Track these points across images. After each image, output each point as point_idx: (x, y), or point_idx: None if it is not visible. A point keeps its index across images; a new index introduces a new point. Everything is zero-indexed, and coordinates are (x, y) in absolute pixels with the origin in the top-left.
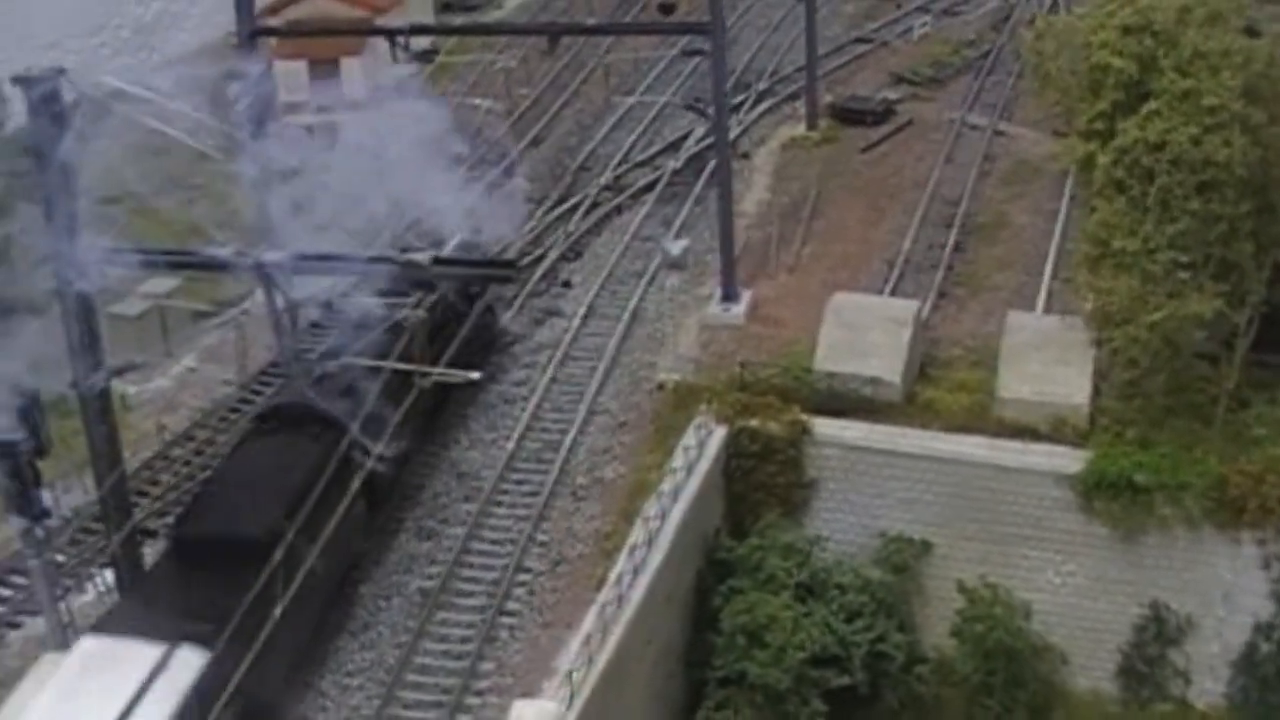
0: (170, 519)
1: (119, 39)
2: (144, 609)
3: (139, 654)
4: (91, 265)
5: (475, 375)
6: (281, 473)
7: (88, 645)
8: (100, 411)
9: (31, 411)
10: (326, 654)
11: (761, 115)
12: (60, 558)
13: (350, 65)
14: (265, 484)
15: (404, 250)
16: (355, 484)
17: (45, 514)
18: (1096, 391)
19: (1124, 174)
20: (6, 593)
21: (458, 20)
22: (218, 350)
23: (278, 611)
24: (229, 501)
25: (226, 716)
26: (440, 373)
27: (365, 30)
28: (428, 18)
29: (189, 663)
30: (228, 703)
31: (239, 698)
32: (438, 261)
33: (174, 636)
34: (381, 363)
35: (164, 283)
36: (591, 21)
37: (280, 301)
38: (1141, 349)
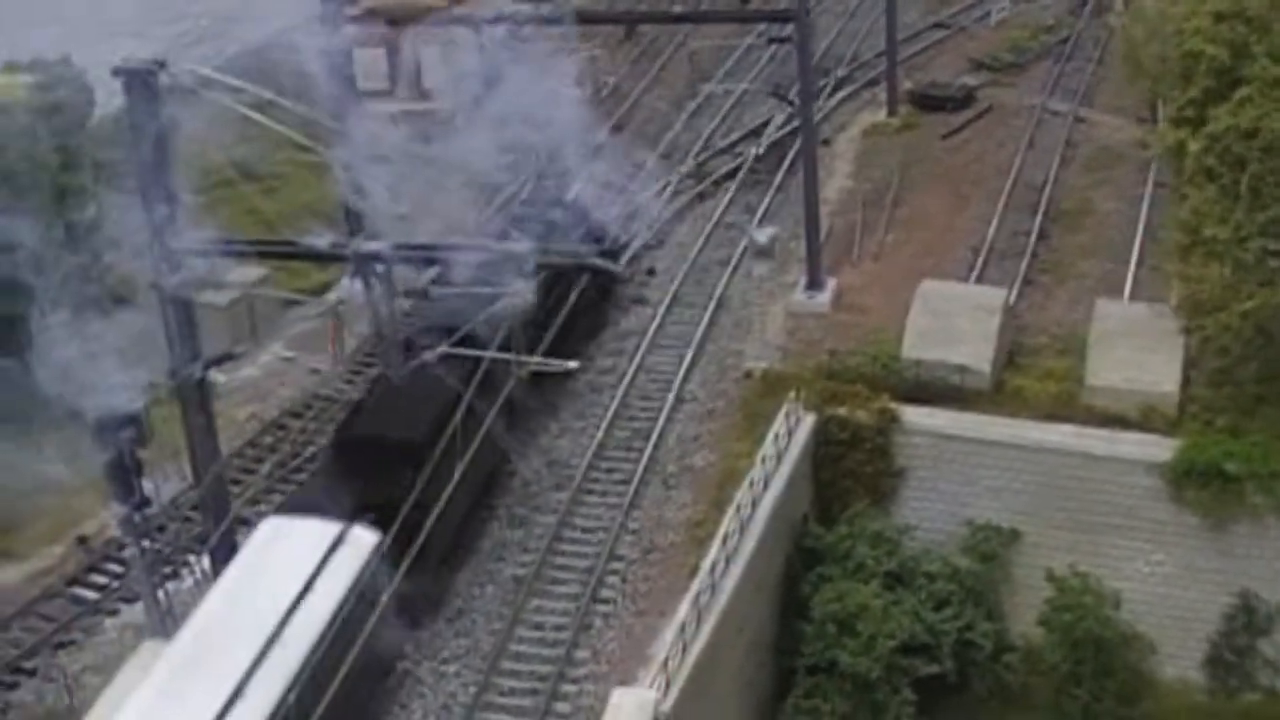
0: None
1: (200, 28)
2: (316, 499)
3: (319, 530)
4: (188, 257)
5: (573, 365)
6: (434, 386)
7: (272, 523)
8: (198, 402)
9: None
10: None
11: (841, 102)
12: (159, 546)
13: (429, 54)
14: (420, 395)
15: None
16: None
17: (146, 502)
18: (1186, 380)
19: (1215, 161)
20: (104, 579)
21: (531, 8)
22: (307, 339)
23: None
24: (389, 409)
25: (390, 597)
26: (540, 362)
27: (450, 21)
28: (505, 5)
29: (362, 540)
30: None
31: (402, 579)
32: (536, 251)
33: (347, 519)
34: (480, 353)
35: (251, 271)
36: (677, 8)
37: (379, 291)
38: (1233, 337)
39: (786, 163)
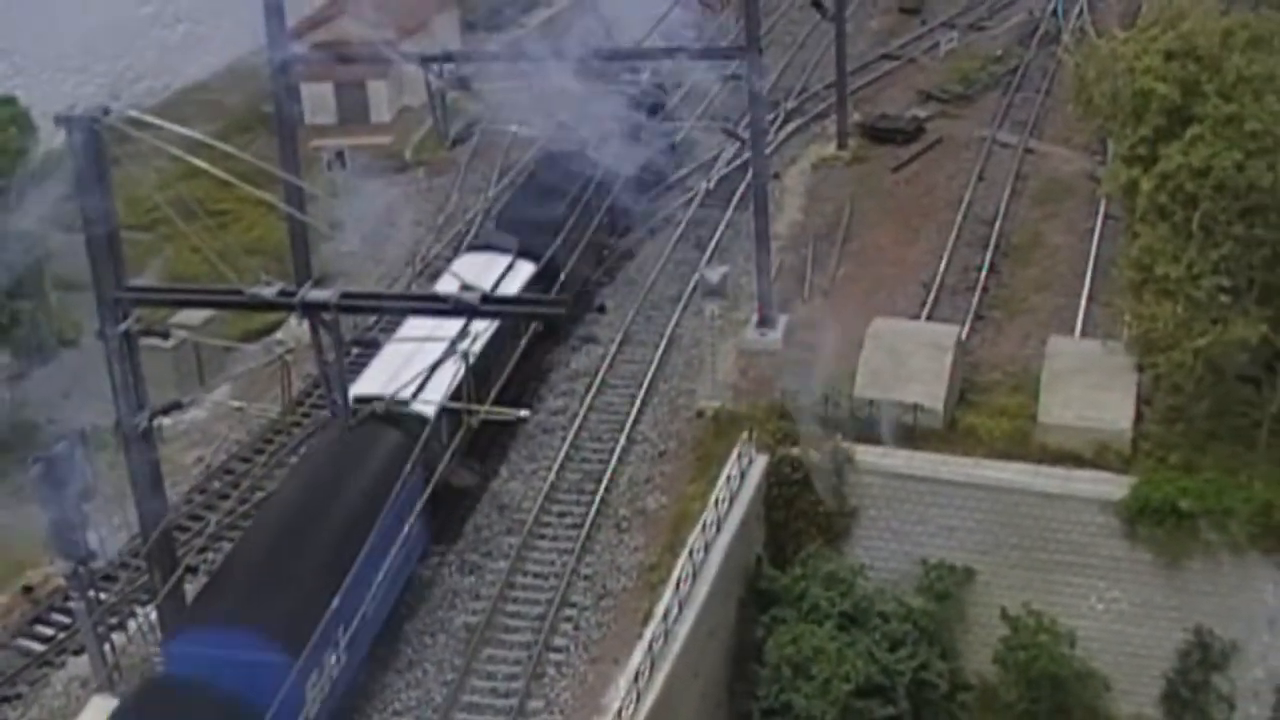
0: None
1: (144, 62)
2: (493, 240)
3: (501, 259)
4: (133, 304)
5: (524, 413)
6: None
7: (469, 256)
8: (143, 451)
9: (76, 453)
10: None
11: (791, 134)
12: (104, 596)
13: (377, 88)
14: None
15: None
16: None
17: (91, 556)
18: (1139, 416)
19: (1167, 200)
20: (50, 631)
21: (480, 40)
22: (254, 382)
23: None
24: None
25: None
26: (488, 410)
27: (398, 57)
28: (454, 40)
29: (525, 266)
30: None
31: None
32: (487, 300)
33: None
34: (431, 402)
35: (197, 312)
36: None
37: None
38: (1186, 374)
39: (737, 197)
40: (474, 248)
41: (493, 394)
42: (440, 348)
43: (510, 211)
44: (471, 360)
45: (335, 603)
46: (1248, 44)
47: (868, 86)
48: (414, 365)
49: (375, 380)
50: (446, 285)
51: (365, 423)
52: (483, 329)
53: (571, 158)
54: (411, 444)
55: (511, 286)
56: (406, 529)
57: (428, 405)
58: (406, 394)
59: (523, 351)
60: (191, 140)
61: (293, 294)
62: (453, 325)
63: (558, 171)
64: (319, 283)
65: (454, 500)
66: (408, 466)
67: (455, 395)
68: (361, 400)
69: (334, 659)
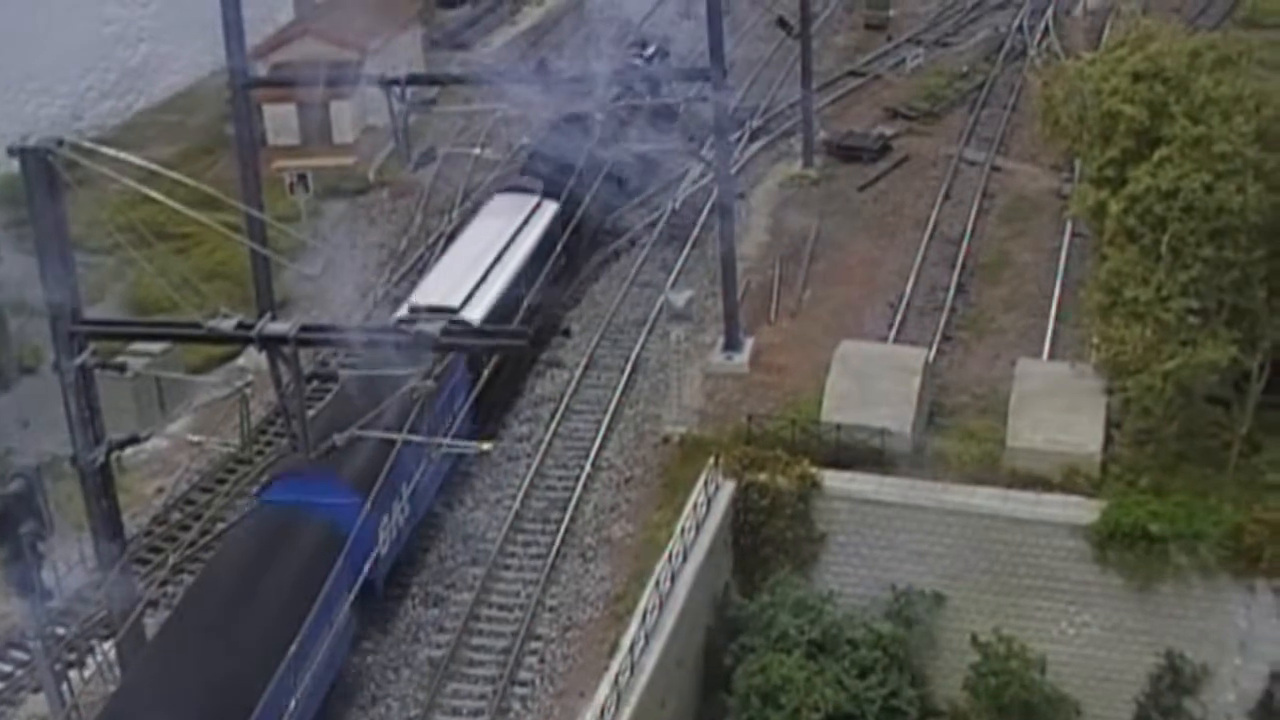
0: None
1: (106, 82)
2: (522, 183)
3: (529, 199)
4: (89, 337)
5: (486, 446)
6: None
7: (500, 196)
8: (101, 485)
9: (33, 491)
10: None
11: (757, 153)
12: (61, 630)
13: (340, 108)
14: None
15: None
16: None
17: (47, 595)
18: (1108, 439)
19: (1135, 222)
20: (7, 668)
21: (445, 59)
22: (213, 412)
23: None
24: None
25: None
26: (449, 443)
27: (360, 81)
28: (417, 59)
29: (549, 206)
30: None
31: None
32: (447, 333)
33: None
34: (393, 434)
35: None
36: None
37: (286, 374)
38: (1155, 397)
39: (702, 218)
40: (505, 190)
41: (524, 306)
42: (486, 263)
43: (535, 161)
44: (510, 278)
45: (398, 461)
46: (1215, 65)
47: (833, 104)
48: (464, 279)
49: (432, 292)
50: (483, 223)
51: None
52: (522, 252)
53: (586, 118)
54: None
55: (540, 222)
56: (457, 407)
57: (474, 313)
58: (456, 304)
59: (546, 276)
60: (149, 165)
61: (251, 327)
62: (500, 240)
63: (575, 129)
64: (281, 308)
65: (494, 394)
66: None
67: (496, 306)
68: (418, 310)
69: (399, 509)
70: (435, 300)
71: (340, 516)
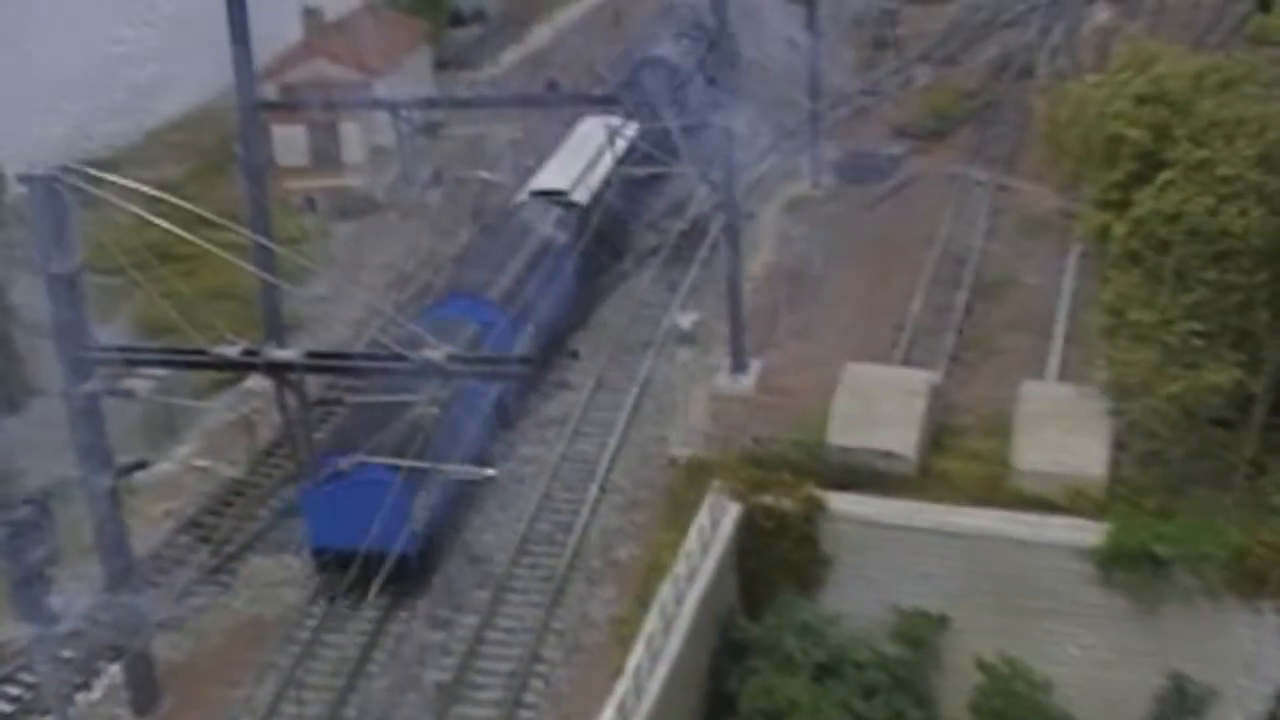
0: None
1: (115, 102)
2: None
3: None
4: (97, 364)
5: (491, 471)
6: None
7: (590, 119)
8: (109, 511)
9: (42, 517)
10: None
11: (765, 172)
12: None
13: (348, 130)
14: None
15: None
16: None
17: (55, 620)
18: (1114, 462)
19: (1139, 245)
20: (16, 691)
21: (453, 79)
22: (220, 436)
23: None
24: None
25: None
26: (459, 470)
27: (367, 104)
28: (426, 79)
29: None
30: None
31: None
32: (453, 359)
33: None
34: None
35: None
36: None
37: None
38: (1160, 420)
39: (710, 239)
40: (593, 114)
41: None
42: (585, 161)
43: (621, 89)
44: (603, 176)
45: (529, 297)
46: (1219, 88)
47: (841, 122)
48: (569, 172)
49: (546, 179)
50: (580, 135)
51: (542, 201)
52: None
53: (662, 60)
54: (570, 216)
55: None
56: (566, 265)
57: (580, 195)
58: (566, 187)
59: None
60: (154, 186)
61: (257, 353)
62: (598, 143)
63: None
64: (288, 329)
65: (590, 264)
66: (569, 227)
67: (595, 194)
68: (536, 193)
69: (530, 328)
70: (549, 186)
71: (489, 326)
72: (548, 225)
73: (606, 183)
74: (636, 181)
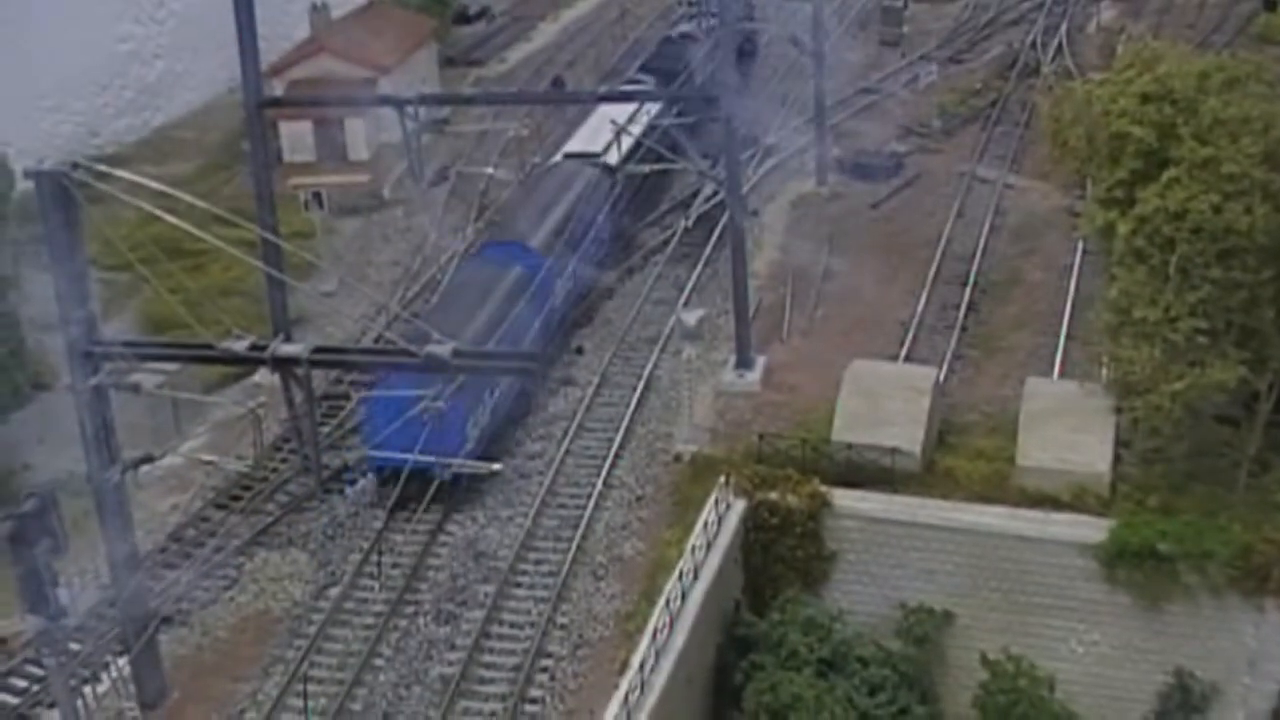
0: None
1: (123, 99)
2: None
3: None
4: (104, 358)
5: (497, 466)
6: None
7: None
8: (116, 505)
9: (47, 510)
10: None
11: (770, 171)
12: (78, 648)
13: (354, 126)
14: None
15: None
16: None
17: (62, 613)
18: (1117, 458)
19: (1144, 243)
20: (23, 684)
21: (459, 76)
22: (227, 430)
23: None
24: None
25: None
26: (460, 462)
27: (373, 101)
28: (432, 76)
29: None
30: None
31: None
32: (459, 355)
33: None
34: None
35: None
36: (603, 89)
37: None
38: (1164, 417)
39: (715, 236)
40: (641, 70)
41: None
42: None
43: (655, 59)
44: (632, 142)
45: (574, 236)
46: (1223, 86)
47: (847, 120)
48: (601, 137)
49: (578, 143)
50: (594, 126)
51: (576, 162)
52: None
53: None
54: (601, 177)
55: (651, 107)
56: (598, 218)
57: (611, 158)
58: (598, 150)
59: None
60: (162, 183)
61: (264, 348)
62: (625, 113)
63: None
64: (295, 324)
65: (620, 223)
66: (602, 186)
67: (624, 156)
68: (570, 155)
69: (570, 270)
70: (582, 149)
71: (530, 268)
72: (581, 183)
73: (635, 147)
74: (661, 147)
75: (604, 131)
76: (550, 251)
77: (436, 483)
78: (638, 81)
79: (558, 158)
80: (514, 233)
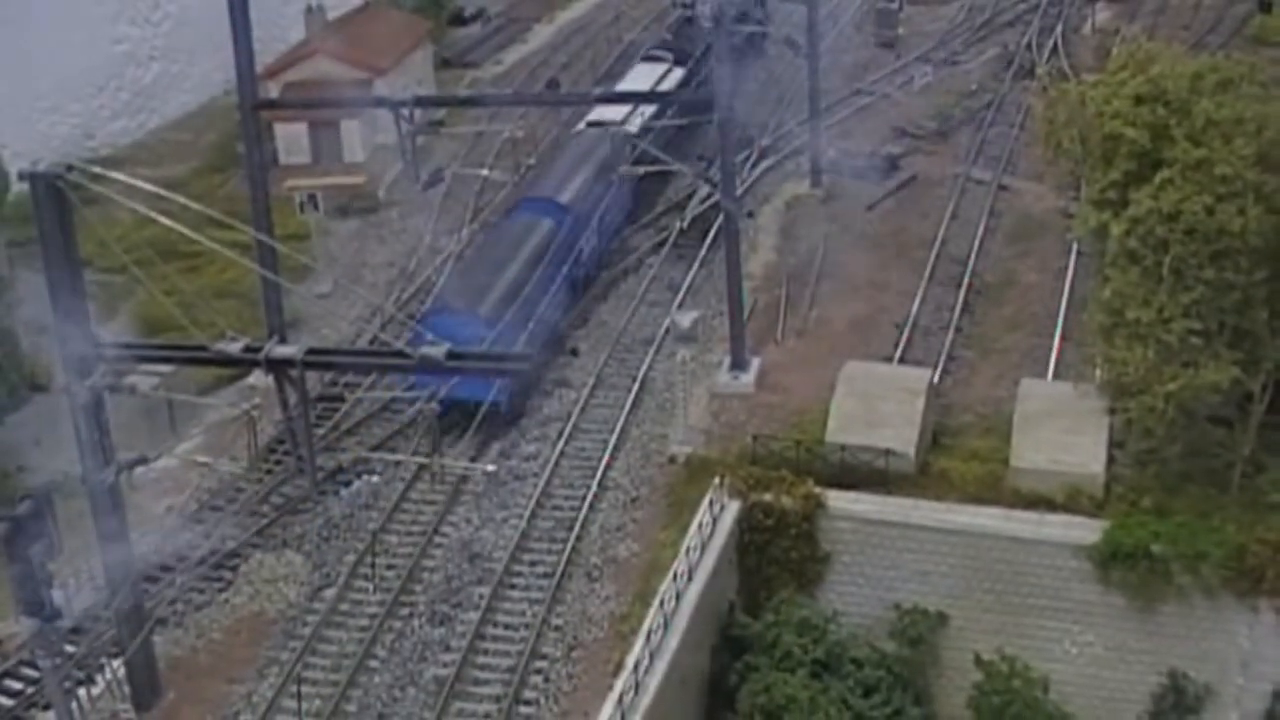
0: None
1: (119, 101)
2: (658, 53)
3: (662, 65)
4: (98, 360)
5: (491, 467)
6: None
7: (642, 64)
8: (111, 506)
9: (43, 512)
10: None
11: (765, 172)
12: (73, 650)
13: (350, 128)
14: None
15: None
16: None
17: (56, 614)
18: (1111, 460)
19: (1137, 244)
20: (18, 685)
21: (455, 78)
22: (221, 432)
23: None
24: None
25: None
26: (456, 464)
27: (368, 103)
28: (428, 78)
29: (678, 70)
30: None
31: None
32: (451, 356)
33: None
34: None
35: None
36: (598, 90)
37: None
38: (1157, 418)
39: (710, 237)
40: (645, 59)
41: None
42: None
43: (669, 40)
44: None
45: (598, 195)
46: (1216, 88)
47: (841, 122)
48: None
49: (603, 114)
50: (636, 73)
51: (599, 129)
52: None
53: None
54: (624, 141)
55: (672, 77)
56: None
57: (632, 126)
58: (619, 118)
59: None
60: (158, 185)
61: (258, 350)
62: (649, 83)
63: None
64: (290, 326)
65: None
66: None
67: (644, 123)
68: (592, 124)
69: (595, 224)
70: (604, 118)
71: (559, 220)
72: (605, 148)
73: (655, 117)
74: (679, 116)
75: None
76: (576, 208)
77: (484, 407)
78: (654, 58)
79: (581, 125)
80: (541, 191)
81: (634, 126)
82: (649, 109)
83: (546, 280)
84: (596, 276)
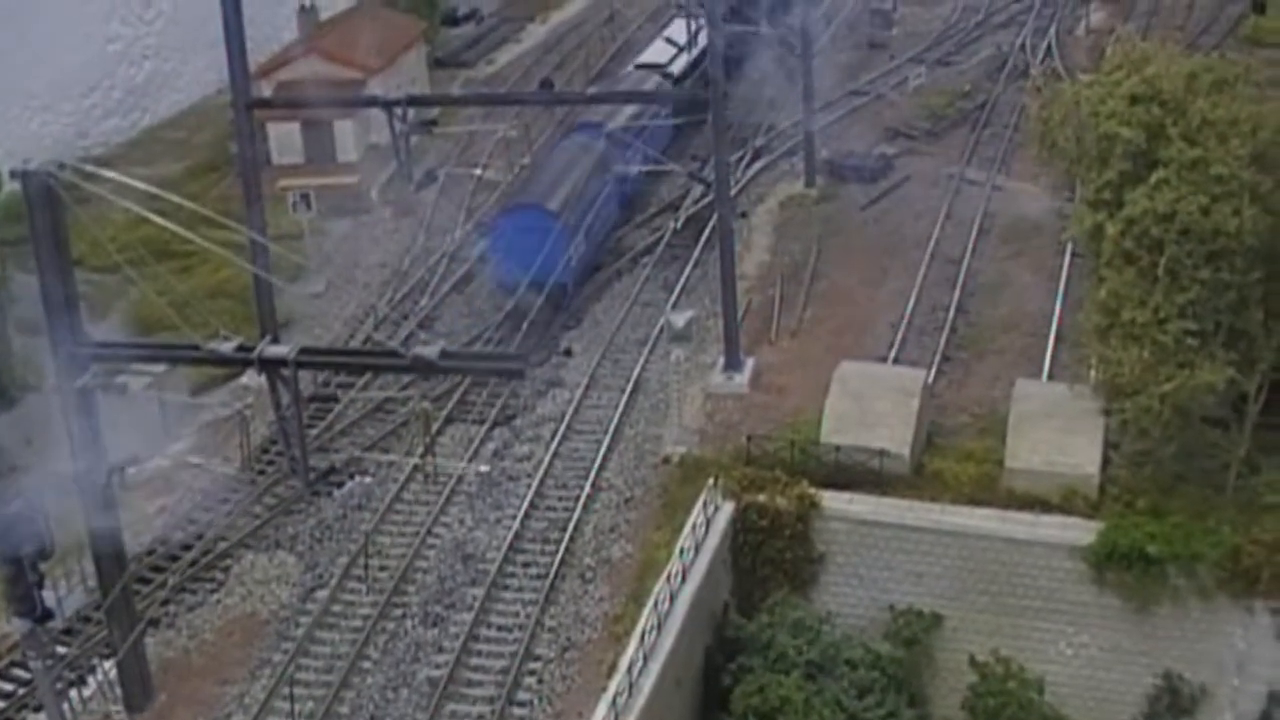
0: None
1: (111, 100)
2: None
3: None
4: (90, 359)
5: (484, 468)
6: None
7: (677, 21)
8: (103, 506)
9: (34, 513)
10: None
11: (759, 172)
12: (62, 649)
13: (343, 127)
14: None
15: None
16: None
17: (48, 615)
18: (1106, 461)
19: (1133, 244)
20: (9, 687)
21: (448, 77)
22: (214, 433)
23: None
24: None
25: None
26: (454, 464)
27: (361, 102)
28: (421, 77)
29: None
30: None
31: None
32: (445, 355)
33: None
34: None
35: None
36: (591, 90)
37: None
38: (1153, 419)
39: (704, 237)
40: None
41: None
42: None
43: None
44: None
45: (639, 127)
46: (1211, 88)
47: (835, 123)
48: (665, 52)
49: (648, 56)
50: (673, 28)
51: (644, 72)
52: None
53: None
54: (667, 80)
55: (700, 38)
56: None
57: (675, 68)
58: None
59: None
60: (151, 184)
61: (251, 349)
62: (683, 36)
63: None
64: (282, 326)
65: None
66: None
67: (686, 67)
68: (640, 67)
69: (638, 145)
70: (650, 60)
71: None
72: (650, 87)
73: (693, 63)
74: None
75: (670, 46)
76: (624, 133)
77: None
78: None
79: (629, 68)
80: (593, 117)
81: (676, 69)
82: (688, 56)
83: (601, 186)
84: (637, 200)
